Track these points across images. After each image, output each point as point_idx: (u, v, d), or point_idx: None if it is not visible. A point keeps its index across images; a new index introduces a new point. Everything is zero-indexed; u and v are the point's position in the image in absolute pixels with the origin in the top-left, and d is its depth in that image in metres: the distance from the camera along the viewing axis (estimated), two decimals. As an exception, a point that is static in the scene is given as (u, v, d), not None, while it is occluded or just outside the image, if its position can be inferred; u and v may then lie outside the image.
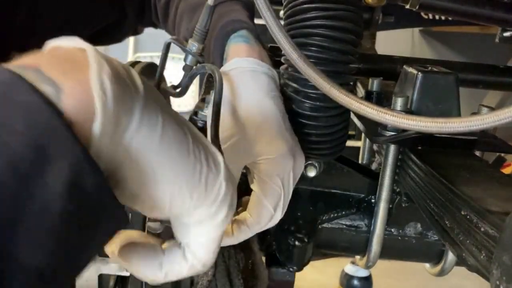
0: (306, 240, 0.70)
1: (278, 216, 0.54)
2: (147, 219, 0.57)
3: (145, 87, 0.34)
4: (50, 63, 0.31)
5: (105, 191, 0.31)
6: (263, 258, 0.76)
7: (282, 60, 0.63)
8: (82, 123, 0.30)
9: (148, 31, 0.97)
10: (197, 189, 0.37)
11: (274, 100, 0.56)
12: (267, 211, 0.53)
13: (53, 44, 0.34)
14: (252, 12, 0.70)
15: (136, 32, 0.95)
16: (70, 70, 0.31)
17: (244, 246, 0.74)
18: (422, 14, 1.29)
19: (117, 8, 0.86)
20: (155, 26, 0.92)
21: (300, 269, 0.72)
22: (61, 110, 0.29)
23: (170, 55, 0.68)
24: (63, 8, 0.77)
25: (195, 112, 0.64)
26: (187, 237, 0.40)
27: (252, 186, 0.55)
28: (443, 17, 1.23)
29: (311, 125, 0.61)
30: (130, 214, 0.41)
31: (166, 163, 0.35)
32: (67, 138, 0.29)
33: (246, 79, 0.57)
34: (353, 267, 1.77)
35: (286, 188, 0.54)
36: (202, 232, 0.40)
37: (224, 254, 0.72)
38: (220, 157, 0.39)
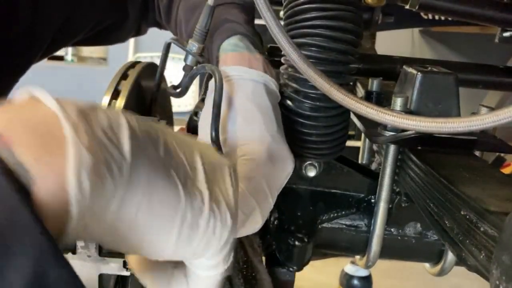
0: (306, 240, 0.70)
1: (256, 221, 0.48)
2: None
3: (133, 146, 0.31)
4: (23, 140, 0.28)
5: (69, 285, 0.29)
6: (263, 258, 0.76)
7: (282, 60, 0.63)
8: (55, 212, 0.28)
9: (149, 31, 0.97)
10: (197, 242, 0.36)
11: (259, 106, 0.55)
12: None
13: (25, 94, 0.30)
14: (252, 14, 0.69)
15: (139, 32, 0.94)
16: (43, 154, 0.28)
17: (244, 245, 0.74)
18: (422, 14, 1.29)
19: (119, 8, 0.85)
20: (160, 26, 0.91)
21: (300, 269, 0.72)
22: (30, 198, 0.27)
23: (170, 55, 0.68)
24: (63, 8, 0.77)
25: (195, 112, 0.64)
26: (189, 266, 0.41)
27: None
28: (443, 17, 1.23)
29: (311, 125, 0.61)
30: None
31: (160, 227, 0.34)
32: (33, 229, 0.27)
33: (232, 86, 0.57)
34: (353, 267, 1.77)
35: (263, 194, 0.49)
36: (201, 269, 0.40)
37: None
38: (224, 208, 0.36)
